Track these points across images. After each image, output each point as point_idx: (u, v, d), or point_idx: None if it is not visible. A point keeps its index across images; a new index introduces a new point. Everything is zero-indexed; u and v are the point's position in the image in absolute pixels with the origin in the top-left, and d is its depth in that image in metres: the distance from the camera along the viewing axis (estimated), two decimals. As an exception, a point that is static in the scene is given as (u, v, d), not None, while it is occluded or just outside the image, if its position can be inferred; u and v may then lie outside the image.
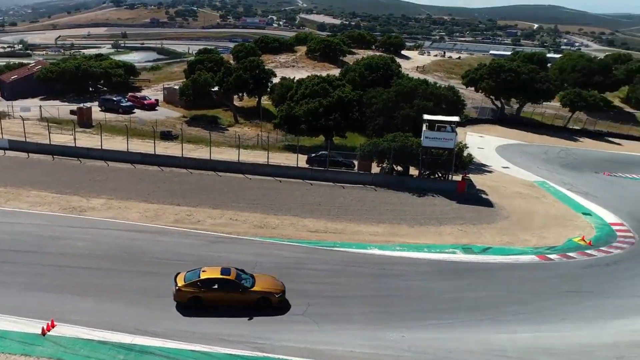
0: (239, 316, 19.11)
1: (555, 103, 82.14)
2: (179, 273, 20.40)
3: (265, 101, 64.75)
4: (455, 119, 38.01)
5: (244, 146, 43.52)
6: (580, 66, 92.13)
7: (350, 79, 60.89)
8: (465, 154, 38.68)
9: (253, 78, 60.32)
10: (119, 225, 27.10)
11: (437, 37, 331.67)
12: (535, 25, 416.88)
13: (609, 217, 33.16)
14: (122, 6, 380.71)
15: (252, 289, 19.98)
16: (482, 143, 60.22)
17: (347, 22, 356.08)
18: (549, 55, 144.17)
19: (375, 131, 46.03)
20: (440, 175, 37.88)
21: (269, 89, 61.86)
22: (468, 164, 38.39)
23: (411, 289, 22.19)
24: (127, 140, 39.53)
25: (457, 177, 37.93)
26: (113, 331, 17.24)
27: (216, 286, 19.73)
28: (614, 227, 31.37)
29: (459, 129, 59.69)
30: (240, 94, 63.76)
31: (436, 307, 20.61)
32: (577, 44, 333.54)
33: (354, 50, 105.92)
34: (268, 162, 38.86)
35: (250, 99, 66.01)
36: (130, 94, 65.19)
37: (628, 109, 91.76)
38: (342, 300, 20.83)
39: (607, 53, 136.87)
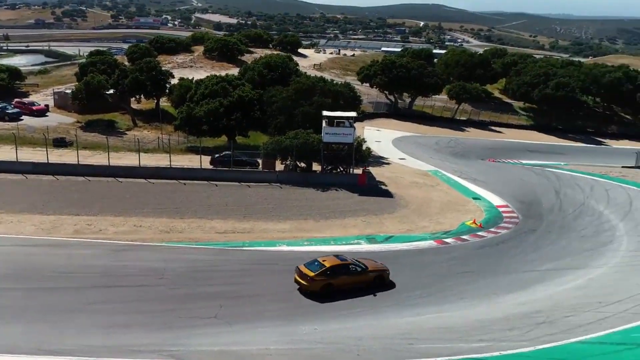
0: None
1: (443, 96, 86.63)
2: (299, 266, 21.73)
3: (165, 103, 62.67)
4: (353, 114, 38.96)
5: (145, 150, 41.92)
6: (463, 61, 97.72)
7: (249, 78, 60.43)
8: (364, 147, 39.79)
9: (150, 79, 58.09)
10: (12, 240, 25.09)
11: (332, 36, 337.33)
12: (422, 23, 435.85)
13: (496, 200, 35.54)
14: (2, 6, 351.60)
15: (369, 270, 22.02)
16: (379, 136, 62.20)
17: (243, 22, 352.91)
18: (435, 51, 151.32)
19: (277, 129, 46.08)
20: (342, 169, 38.71)
21: (167, 90, 59.91)
22: (367, 157, 39.55)
23: (320, 282, 22.51)
24: (16, 150, 36.71)
25: (358, 171, 38.93)
26: (12, 354, 15.94)
27: (343, 272, 21.50)
28: (501, 209, 33.68)
29: (357, 124, 61.15)
30: (137, 97, 61.20)
31: (345, 297, 21.04)
32: (459, 40, 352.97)
33: (251, 49, 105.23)
34: (170, 165, 37.69)
35: (149, 101, 63.57)
36: (16, 100, 60.42)
37: (506, 99, 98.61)
38: (254, 299, 20.70)
39: (485, 48, 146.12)
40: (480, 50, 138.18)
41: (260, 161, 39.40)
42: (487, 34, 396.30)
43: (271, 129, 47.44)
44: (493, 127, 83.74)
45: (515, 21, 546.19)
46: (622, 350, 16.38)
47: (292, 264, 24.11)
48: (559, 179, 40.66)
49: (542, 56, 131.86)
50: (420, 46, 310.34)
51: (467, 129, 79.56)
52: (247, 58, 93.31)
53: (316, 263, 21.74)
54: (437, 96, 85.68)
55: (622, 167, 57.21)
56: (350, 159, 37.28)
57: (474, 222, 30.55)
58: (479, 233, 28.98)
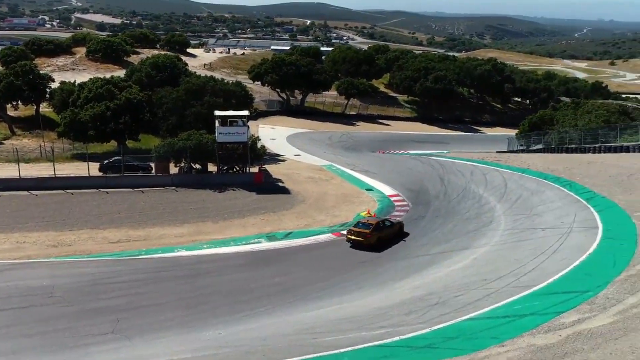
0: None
1: (333, 92, 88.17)
2: (351, 229, 26.29)
3: (46, 108, 58.03)
4: (245, 113, 38.47)
5: (26, 160, 38.63)
6: (349, 58, 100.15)
7: (137, 79, 57.71)
8: (259, 146, 39.44)
9: (27, 84, 53.54)
10: None
11: (221, 35, 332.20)
12: (308, 22, 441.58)
13: (387, 190, 36.78)
14: None
15: (395, 223, 27.53)
16: (274, 134, 62.09)
17: (128, 22, 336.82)
18: (322, 48, 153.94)
19: (169, 131, 44.42)
20: (238, 168, 38.10)
21: (47, 95, 55.53)
22: (262, 155, 39.29)
23: (222, 285, 21.92)
24: None
25: (255, 169, 38.54)
26: None
27: (385, 226, 26.62)
28: (392, 199, 34.90)
29: (251, 123, 60.57)
30: (14, 103, 56.12)
31: (248, 297, 20.65)
32: (345, 38, 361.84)
33: (138, 50, 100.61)
34: (55, 174, 34.95)
35: (27, 107, 58.56)
36: None
37: (391, 93, 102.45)
38: (154, 309, 19.68)
39: (370, 45, 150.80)
40: (365, 47, 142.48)
41: (153, 165, 37.69)
42: (370, 32, 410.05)
43: (163, 131, 45.65)
44: (381, 120, 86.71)
45: (394, 19, 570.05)
46: (507, 323, 17.38)
47: (192, 269, 23.34)
48: (443, 166, 42.83)
49: (421, 52, 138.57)
50: (309, 44, 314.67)
51: (357, 123, 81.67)
52: (134, 59, 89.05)
53: (361, 224, 26.39)
54: (327, 92, 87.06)
55: (497, 152, 61.58)
56: (245, 158, 36.78)
57: (368, 213, 31.37)
58: (374, 223, 29.81)
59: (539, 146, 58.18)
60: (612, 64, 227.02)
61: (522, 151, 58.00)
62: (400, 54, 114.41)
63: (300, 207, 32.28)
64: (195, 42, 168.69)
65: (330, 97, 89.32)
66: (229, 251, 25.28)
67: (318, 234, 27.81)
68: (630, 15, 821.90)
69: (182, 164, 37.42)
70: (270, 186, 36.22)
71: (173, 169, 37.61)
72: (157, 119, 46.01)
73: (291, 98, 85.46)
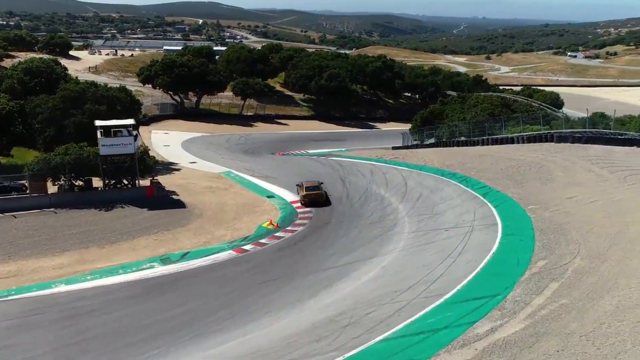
0: None
1: (229, 92, 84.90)
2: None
3: None
4: (130, 121, 34.29)
5: None
6: (243, 57, 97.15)
7: (8, 87, 51.10)
8: (150, 155, 35.81)
9: None
10: None
11: (109, 35, 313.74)
12: (200, 21, 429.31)
13: (289, 196, 34.83)
14: None
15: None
16: (168, 140, 58.03)
17: (4, 22, 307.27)
18: (215, 48, 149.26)
19: (46, 144, 39.43)
20: (127, 183, 34.32)
21: None
22: (153, 167, 35.60)
23: (109, 324, 18.75)
24: None
25: (146, 182, 35.04)
26: None
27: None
28: (295, 205, 33.02)
29: (144, 128, 56.20)
30: None
31: (139, 338, 17.75)
32: (238, 37, 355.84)
33: (12, 53, 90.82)
34: None
35: None
36: None
37: (288, 92, 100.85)
38: (24, 365, 16.31)
39: (263, 44, 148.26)
40: (259, 46, 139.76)
41: (27, 184, 32.86)
42: (264, 30, 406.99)
43: (40, 144, 40.50)
44: (279, 120, 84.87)
45: (286, 17, 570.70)
46: (422, 340, 16.14)
47: (72, 308, 19.96)
48: (343, 167, 41.76)
49: (314, 50, 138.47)
50: (202, 44, 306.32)
51: (255, 123, 79.22)
52: (7, 63, 79.97)
53: (312, 187, 33.46)
54: (223, 93, 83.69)
55: (393, 147, 62.01)
56: (134, 170, 33.09)
57: (271, 223, 29.27)
58: (277, 234, 27.72)
59: (432, 140, 59.28)
60: (488, 58, 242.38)
61: (417, 146, 58.77)
62: (294, 52, 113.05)
63: (197, 222, 29.39)
64: (79, 43, 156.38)
65: (226, 98, 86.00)
66: (117, 281, 22.03)
67: (218, 252, 25.22)
68: (500, 12, 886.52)
69: (62, 182, 32.95)
70: (164, 200, 32.78)
71: (52, 188, 33.06)
72: (33, 130, 40.78)
73: (185, 100, 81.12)
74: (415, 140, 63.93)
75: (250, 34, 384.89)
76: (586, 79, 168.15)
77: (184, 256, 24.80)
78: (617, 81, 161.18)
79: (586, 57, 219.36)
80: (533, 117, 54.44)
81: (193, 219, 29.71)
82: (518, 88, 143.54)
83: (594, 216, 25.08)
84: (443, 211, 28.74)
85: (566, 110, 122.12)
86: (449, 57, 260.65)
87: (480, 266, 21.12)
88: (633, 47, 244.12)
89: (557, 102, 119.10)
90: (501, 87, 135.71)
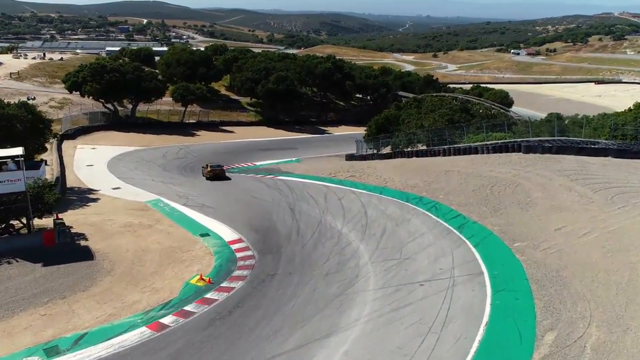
0: None
1: (169, 98, 77.19)
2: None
3: None
4: (18, 151, 25.96)
5: None
6: (184, 59, 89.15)
7: None
8: (49, 193, 27.90)
9: None
10: None
11: (48, 36, 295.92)
12: (145, 21, 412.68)
13: (227, 234, 28.04)
14: None
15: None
16: (93, 157, 50.06)
17: None
18: (156, 48, 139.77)
19: None
20: (22, 226, 26.87)
21: None
22: (53, 206, 27.88)
23: None
24: None
25: (48, 221, 27.77)
26: None
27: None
28: (233, 247, 26.34)
29: (68, 143, 48.20)
30: None
31: None
32: (185, 37, 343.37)
33: None
34: None
35: None
36: None
37: (234, 96, 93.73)
38: None
39: (208, 44, 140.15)
40: (204, 47, 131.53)
41: None
42: (211, 30, 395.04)
43: None
44: (224, 127, 77.92)
45: (233, 17, 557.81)
46: None
47: None
48: (292, 190, 35.42)
49: (260, 51, 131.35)
50: (147, 44, 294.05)
51: (198, 132, 71.95)
52: None
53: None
54: (163, 99, 75.88)
55: (347, 157, 56.35)
56: (27, 212, 25.67)
57: (201, 278, 22.56)
58: (208, 295, 21.01)
59: (388, 149, 53.97)
60: (435, 56, 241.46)
61: (372, 156, 53.29)
62: (239, 53, 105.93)
63: (105, 281, 22.28)
64: (4, 44, 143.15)
65: (166, 104, 78.15)
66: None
67: (126, 331, 18.43)
68: (443, 11, 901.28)
69: None
70: (67, 248, 25.34)
71: None
72: None
73: (121, 108, 72.89)
74: (370, 148, 58.50)
75: (197, 33, 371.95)
76: (531, 76, 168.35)
77: (77, 341, 17.91)
78: (560, 78, 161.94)
79: (528, 54, 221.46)
80: (494, 123, 49.93)
81: (100, 278, 22.59)
82: (467, 86, 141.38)
83: (592, 255, 20.27)
84: (414, 254, 23.04)
85: (516, 108, 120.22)
86: (397, 55, 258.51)
87: (474, 348, 15.68)
88: (571, 43, 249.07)
89: (506, 100, 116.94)
90: (451, 86, 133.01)
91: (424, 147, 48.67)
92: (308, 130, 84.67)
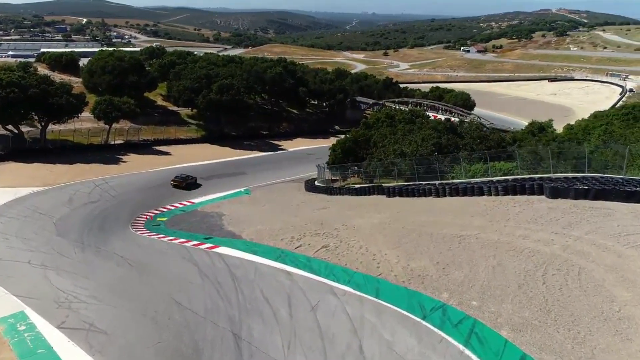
0: None
1: (90, 114, 62.33)
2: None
3: None
4: None
5: None
6: (110, 66, 73.84)
7: None
8: None
9: None
10: None
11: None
12: (84, 20, 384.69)
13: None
14: None
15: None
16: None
17: None
18: (85, 49, 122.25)
19: None
20: None
21: None
22: None
23: None
24: None
25: None
26: None
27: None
28: None
29: None
30: None
31: None
32: (127, 37, 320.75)
33: None
34: None
35: None
36: None
37: (172, 107, 79.40)
38: None
39: (141, 48, 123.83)
40: (139, 49, 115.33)
41: None
42: (154, 29, 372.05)
43: None
44: (159, 148, 63.78)
45: (178, 15, 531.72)
46: None
47: None
48: (237, 285, 22.30)
49: (202, 53, 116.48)
50: (85, 44, 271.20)
51: (125, 157, 57.60)
52: None
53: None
54: (85, 114, 61.15)
55: (306, 187, 44.19)
56: None
57: None
58: None
59: (358, 178, 42.01)
60: (386, 54, 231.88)
61: (340, 190, 41.18)
62: (178, 57, 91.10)
63: None
64: None
65: (88, 121, 63.34)
66: None
67: None
68: (389, 8, 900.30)
69: None
70: None
71: None
72: None
73: (30, 129, 57.62)
74: (335, 176, 46.39)
75: (139, 33, 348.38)
76: (484, 74, 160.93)
77: None
78: (514, 76, 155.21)
79: (478, 51, 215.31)
80: (497, 153, 38.80)
81: None
82: (423, 86, 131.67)
83: None
84: None
85: (477, 109, 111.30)
86: (347, 53, 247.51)
87: None
88: (516, 40, 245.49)
89: (468, 102, 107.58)
90: (408, 87, 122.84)
91: (409, 183, 36.98)
92: (259, 145, 71.75)
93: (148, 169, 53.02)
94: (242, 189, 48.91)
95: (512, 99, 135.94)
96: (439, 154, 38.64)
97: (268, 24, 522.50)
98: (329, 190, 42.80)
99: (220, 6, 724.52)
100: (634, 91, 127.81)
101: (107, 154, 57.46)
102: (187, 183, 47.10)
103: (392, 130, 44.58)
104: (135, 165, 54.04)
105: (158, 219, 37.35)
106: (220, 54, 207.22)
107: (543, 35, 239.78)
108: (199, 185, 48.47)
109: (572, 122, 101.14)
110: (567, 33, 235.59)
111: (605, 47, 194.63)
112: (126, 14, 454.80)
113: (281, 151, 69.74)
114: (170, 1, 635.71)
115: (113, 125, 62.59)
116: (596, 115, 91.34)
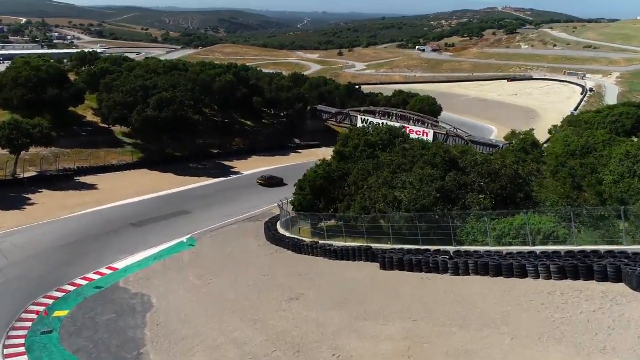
0: None
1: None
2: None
3: None
4: None
5: None
6: (24, 78, 59.16)
7: None
8: None
9: None
10: None
11: None
12: (24, 20, 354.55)
13: None
14: None
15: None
16: None
17: None
18: (7, 52, 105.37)
19: None
20: None
21: None
22: None
23: None
24: None
25: None
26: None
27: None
28: None
29: None
30: None
31: None
32: (69, 38, 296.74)
33: None
34: None
35: None
36: None
37: (104, 123, 65.29)
38: None
39: (72, 54, 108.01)
40: (66, 58, 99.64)
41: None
42: (99, 29, 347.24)
43: None
44: (82, 179, 50.49)
45: (126, 14, 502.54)
46: None
47: None
48: None
49: (145, 56, 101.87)
50: (24, 46, 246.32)
51: (35, 197, 44.16)
52: None
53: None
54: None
55: (269, 238, 32.61)
56: None
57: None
58: None
59: (336, 239, 30.61)
60: (340, 54, 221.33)
61: (313, 248, 29.85)
62: (111, 64, 76.71)
63: None
64: None
65: (-8, 148, 49.06)
66: None
67: None
68: (339, 6, 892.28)
69: None
70: None
71: None
72: None
73: None
74: (302, 220, 34.89)
75: (83, 33, 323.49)
76: (442, 74, 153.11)
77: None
78: (472, 75, 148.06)
79: (433, 50, 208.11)
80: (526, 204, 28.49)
81: None
82: (384, 88, 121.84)
83: None
84: None
85: (442, 113, 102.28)
86: (301, 53, 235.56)
87: None
88: (467, 38, 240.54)
89: (435, 107, 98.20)
90: (369, 90, 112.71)
91: (411, 248, 26.02)
92: (208, 168, 59.40)
93: (62, 215, 39.99)
94: (184, 239, 36.88)
95: (474, 100, 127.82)
96: (444, 201, 27.90)
97: (219, 23, 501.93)
98: (297, 247, 31.44)
99: (170, 5, 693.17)
100: (594, 90, 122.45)
101: (11, 192, 43.86)
102: (269, 183, 51.49)
103: (375, 163, 33.63)
104: (46, 210, 40.83)
105: (54, 314, 24.83)
106: (168, 55, 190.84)
107: (494, 33, 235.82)
108: (284, 185, 49.85)
109: (538, 125, 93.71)
110: (517, 31, 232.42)
111: (555, 45, 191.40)
112: (70, 14, 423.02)
113: (234, 175, 57.72)
114: (117, 0, 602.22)
115: (23, 153, 48.79)
116: (570, 121, 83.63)
